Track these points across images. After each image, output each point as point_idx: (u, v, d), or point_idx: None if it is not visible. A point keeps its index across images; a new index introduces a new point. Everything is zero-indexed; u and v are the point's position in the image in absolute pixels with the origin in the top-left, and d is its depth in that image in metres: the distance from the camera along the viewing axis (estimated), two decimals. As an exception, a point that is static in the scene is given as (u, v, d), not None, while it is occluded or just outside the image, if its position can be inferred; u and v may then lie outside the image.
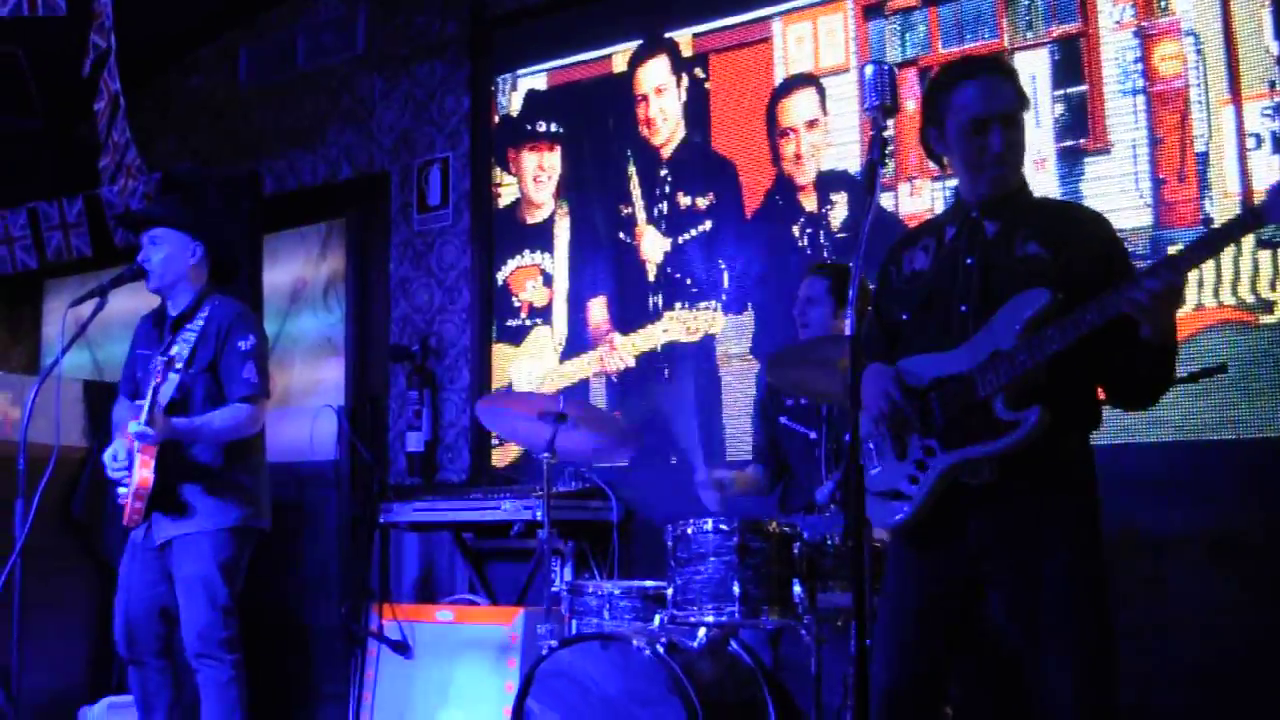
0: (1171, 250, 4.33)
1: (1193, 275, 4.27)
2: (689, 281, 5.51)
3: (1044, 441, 2.71)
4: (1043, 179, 4.61)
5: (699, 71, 5.59)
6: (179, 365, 4.20)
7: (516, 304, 6.04)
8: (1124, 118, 4.53)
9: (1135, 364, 2.69)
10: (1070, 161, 4.61)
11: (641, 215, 5.68)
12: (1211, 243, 2.56)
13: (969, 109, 2.83)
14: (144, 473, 4.17)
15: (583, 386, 5.70)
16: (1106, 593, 2.75)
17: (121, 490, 4.29)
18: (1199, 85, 4.40)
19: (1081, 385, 2.80)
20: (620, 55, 5.83)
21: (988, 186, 2.87)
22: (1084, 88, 4.61)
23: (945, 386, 2.80)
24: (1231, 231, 2.55)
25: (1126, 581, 4.15)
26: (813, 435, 4.25)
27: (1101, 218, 2.97)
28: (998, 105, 2.83)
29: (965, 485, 2.78)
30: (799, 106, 5.29)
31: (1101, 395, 2.91)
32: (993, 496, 2.76)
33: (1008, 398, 2.71)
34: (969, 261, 2.86)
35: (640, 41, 5.77)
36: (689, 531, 3.65)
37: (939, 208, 4.86)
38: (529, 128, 6.09)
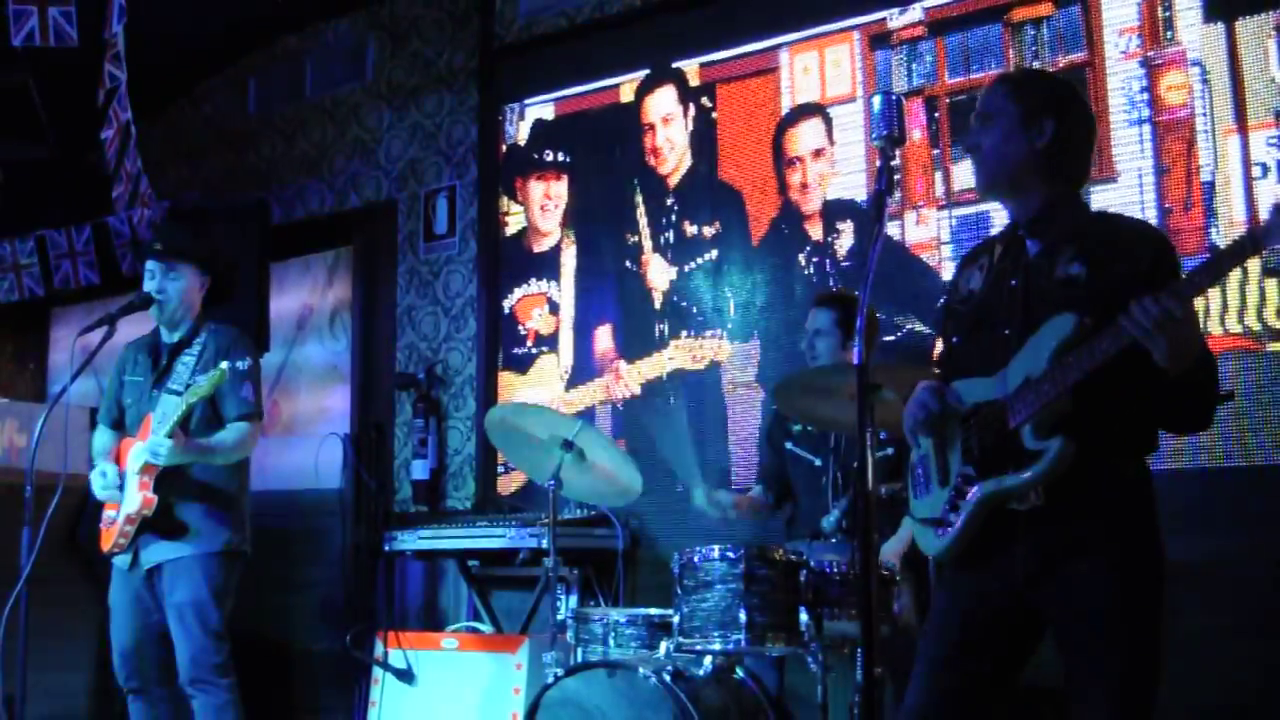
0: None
1: (1199, 303, 4.28)
2: (695, 309, 5.52)
3: (1092, 465, 2.64)
4: (1049, 208, 4.61)
5: (706, 101, 5.62)
6: (180, 389, 4.23)
7: (523, 332, 6.04)
8: (1130, 147, 4.54)
9: (1159, 390, 2.61)
10: (1076, 190, 4.61)
11: (648, 243, 5.69)
12: (1215, 268, 2.50)
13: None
14: (145, 494, 4.18)
15: (589, 414, 5.69)
16: (1157, 620, 2.66)
17: (109, 514, 4.30)
18: (1205, 115, 4.41)
19: (1128, 410, 2.69)
20: (627, 85, 5.86)
21: (978, 186, 2.91)
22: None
23: (982, 413, 2.77)
24: (1234, 256, 2.48)
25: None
26: (817, 462, 4.25)
27: (1153, 233, 2.87)
28: (977, 108, 2.88)
29: (1013, 510, 2.72)
30: (805, 136, 5.31)
31: None
32: (1041, 521, 2.70)
33: (1036, 427, 2.65)
34: (1013, 283, 2.82)
35: (647, 71, 5.80)
36: (695, 559, 3.64)
37: (944, 236, 4.88)
38: (536, 157, 6.11)
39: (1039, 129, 2.79)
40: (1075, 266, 2.73)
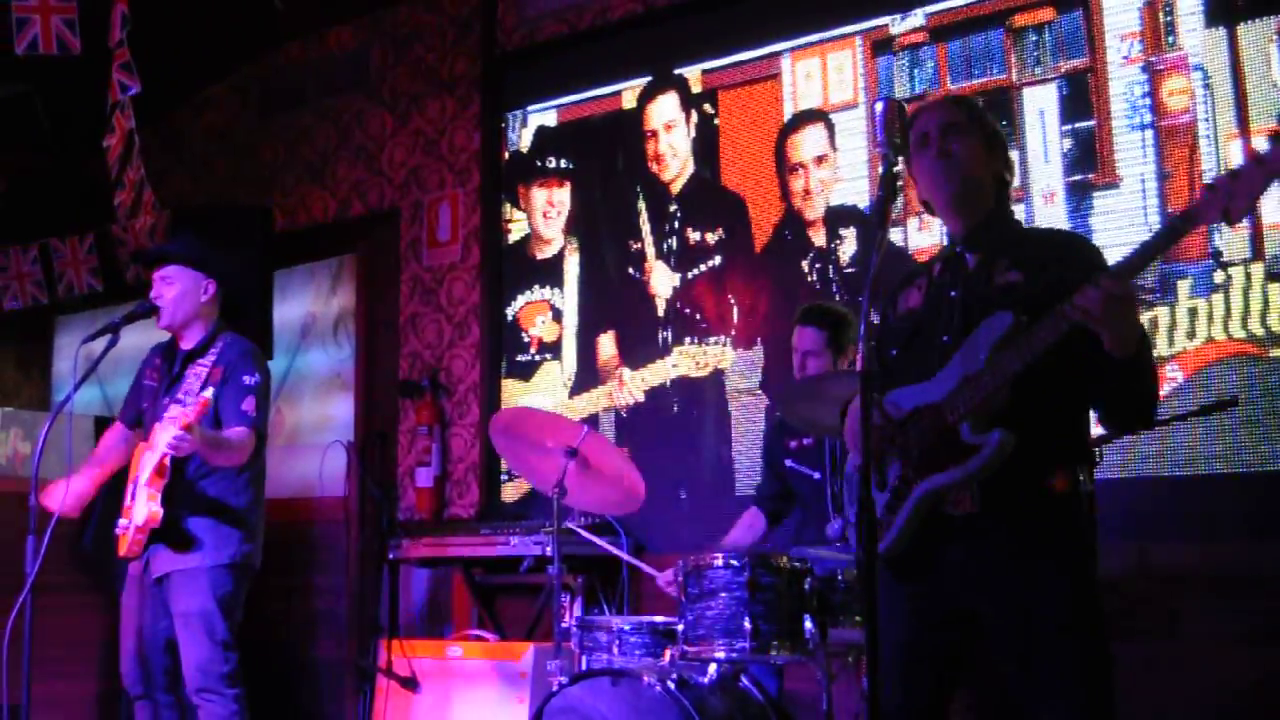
0: (1181, 285, 4.34)
1: (1202, 309, 4.29)
2: (698, 317, 5.52)
3: (1026, 471, 2.69)
4: (1052, 213, 4.62)
5: (708, 107, 5.62)
6: (187, 399, 4.23)
7: (526, 339, 6.05)
8: (1132, 152, 4.54)
9: (1107, 381, 2.68)
10: (1079, 196, 4.62)
11: (651, 250, 5.69)
12: (1151, 248, 2.58)
13: (916, 129, 2.93)
14: (152, 507, 4.19)
15: (592, 422, 5.69)
16: (1101, 624, 2.71)
17: (123, 521, 4.30)
18: (1207, 119, 4.41)
19: (1063, 413, 2.77)
20: (630, 91, 5.86)
21: (946, 188, 2.92)
22: (1092, 122, 4.63)
23: (920, 416, 2.82)
24: (1169, 235, 2.59)
25: (1137, 615, 4.14)
26: (816, 476, 4.25)
27: (1087, 243, 3.00)
28: (935, 119, 2.93)
29: (949, 516, 2.77)
30: (808, 142, 5.31)
31: (1095, 424, 2.90)
32: (976, 527, 2.75)
33: (974, 422, 2.71)
34: (952, 294, 2.89)
35: (650, 78, 5.80)
36: (700, 567, 3.64)
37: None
38: (539, 164, 6.11)
39: (1004, 160, 2.99)
40: (1012, 274, 2.83)
